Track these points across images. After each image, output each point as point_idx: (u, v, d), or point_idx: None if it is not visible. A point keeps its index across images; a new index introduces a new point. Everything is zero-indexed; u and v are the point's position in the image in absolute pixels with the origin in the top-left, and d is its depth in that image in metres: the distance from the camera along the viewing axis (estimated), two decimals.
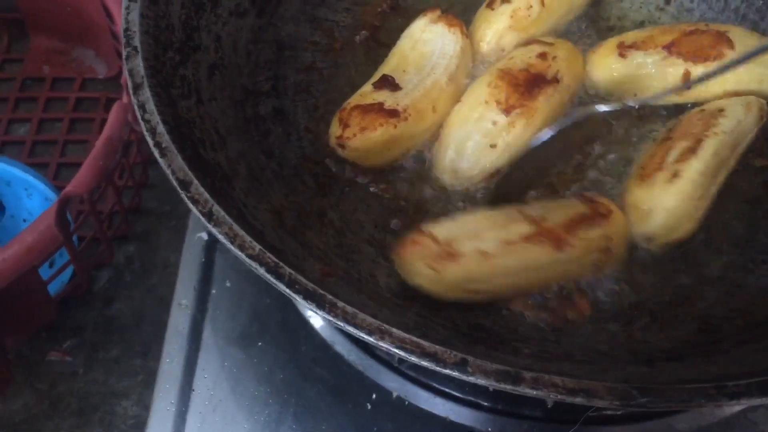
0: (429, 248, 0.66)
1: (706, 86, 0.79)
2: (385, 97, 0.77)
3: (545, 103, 0.78)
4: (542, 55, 0.81)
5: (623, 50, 0.82)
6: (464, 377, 0.49)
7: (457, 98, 0.80)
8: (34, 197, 0.99)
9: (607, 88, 0.83)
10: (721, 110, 0.78)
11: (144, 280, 1.01)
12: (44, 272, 0.87)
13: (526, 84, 0.77)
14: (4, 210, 1.01)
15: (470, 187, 0.77)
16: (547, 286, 0.70)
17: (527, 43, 0.84)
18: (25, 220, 1.00)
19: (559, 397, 0.48)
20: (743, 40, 0.82)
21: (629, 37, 0.84)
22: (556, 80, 0.79)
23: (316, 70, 0.84)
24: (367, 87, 0.80)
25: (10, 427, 0.89)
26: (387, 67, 0.82)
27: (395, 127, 0.76)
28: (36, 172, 0.98)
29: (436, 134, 0.79)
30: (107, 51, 1.18)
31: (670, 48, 0.81)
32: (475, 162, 0.76)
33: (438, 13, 0.84)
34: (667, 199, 0.72)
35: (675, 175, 0.73)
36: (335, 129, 0.77)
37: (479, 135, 0.76)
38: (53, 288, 0.92)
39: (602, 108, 0.78)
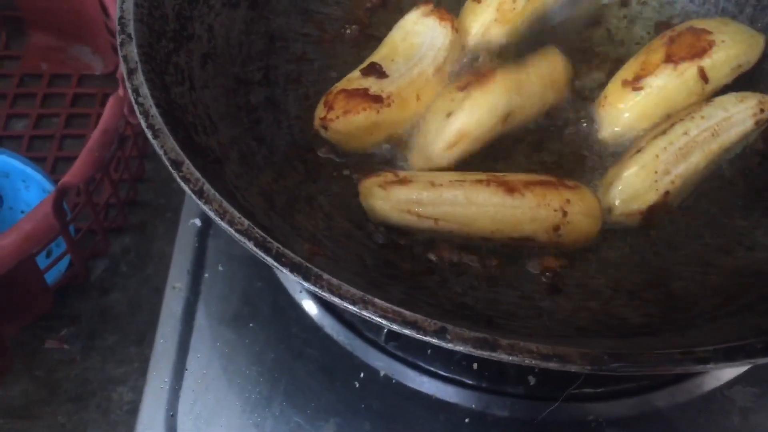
0: (387, 177, 0.73)
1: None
2: (371, 83, 0.79)
3: (502, 78, 0.79)
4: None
5: (634, 84, 0.81)
6: (443, 344, 0.51)
7: (441, 89, 0.83)
8: (32, 189, 1.01)
9: (633, 125, 0.82)
10: (711, 100, 0.81)
11: (139, 270, 1.03)
12: (41, 262, 0.89)
13: (487, 72, 0.80)
14: (2, 201, 1.03)
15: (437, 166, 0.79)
16: (500, 234, 0.72)
17: None
18: (23, 212, 1.02)
19: (533, 362, 0.50)
20: (717, 26, 0.85)
21: (626, 73, 0.83)
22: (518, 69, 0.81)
23: (306, 61, 0.86)
24: (355, 73, 0.82)
25: (9, 413, 0.91)
26: (377, 56, 0.84)
27: (378, 112, 0.78)
28: (34, 165, 1.00)
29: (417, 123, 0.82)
30: (104, 48, 1.20)
31: (671, 59, 0.81)
32: (435, 136, 0.78)
33: (431, 6, 0.87)
34: (624, 170, 0.75)
35: (639, 150, 0.75)
36: (320, 110, 0.79)
37: (441, 113, 0.79)
38: (50, 277, 0.93)
39: None
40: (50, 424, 0.91)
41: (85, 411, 0.92)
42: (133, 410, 0.91)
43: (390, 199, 0.72)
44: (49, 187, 0.99)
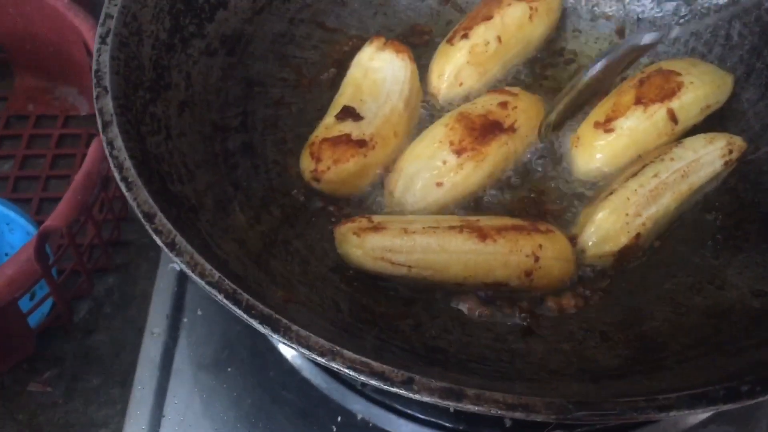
0: (361, 223, 0.74)
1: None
2: (350, 128, 0.81)
3: (497, 149, 0.81)
4: (503, 104, 0.84)
5: (606, 126, 0.83)
6: (411, 395, 0.52)
7: (412, 121, 0.85)
8: (15, 232, 1.01)
9: (604, 166, 0.83)
10: (680, 142, 0.83)
11: (123, 311, 1.03)
12: (24, 304, 0.89)
13: (482, 129, 0.81)
14: None
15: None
16: (473, 280, 0.73)
17: (494, 91, 0.88)
18: (6, 254, 1.03)
19: (499, 412, 0.51)
20: (685, 67, 0.86)
21: (597, 114, 0.85)
22: (512, 129, 0.82)
23: (284, 105, 0.88)
24: (329, 119, 0.83)
25: None
26: (344, 98, 0.85)
27: (365, 156, 0.80)
28: (17, 208, 1.00)
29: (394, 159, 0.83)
30: (89, 89, 1.18)
31: (640, 101, 0.83)
32: (421, 197, 0.79)
33: (383, 40, 0.88)
34: (596, 212, 0.76)
35: (611, 192, 0.77)
36: (308, 163, 0.80)
37: (428, 172, 0.79)
38: (33, 319, 0.93)
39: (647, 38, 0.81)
40: None
41: None
42: None
43: (364, 247, 0.72)
44: (33, 229, 1.00)
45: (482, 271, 0.73)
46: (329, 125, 0.83)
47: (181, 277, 0.84)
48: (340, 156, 0.79)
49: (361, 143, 0.80)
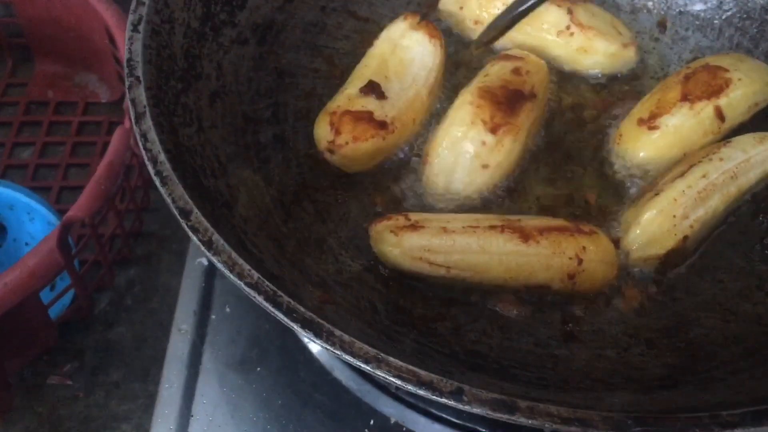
0: (398, 221, 0.72)
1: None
2: (373, 105, 0.79)
3: (526, 118, 0.80)
4: (516, 71, 0.83)
5: (650, 123, 0.80)
6: (460, 406, 0.49)
7: (431, 110, 0.84)
8: (36, 221, 1.00)
9: (648, 165, 0.81)
10: (728, 141, 0.80)
11: (145, 303, 1.01)
12: (45, 296, 0.88)
13: (507, 101, 0.79)
14: (6, 234, 1.02)
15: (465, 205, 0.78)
16: (514, 282, 0.71)
17: (500, 57, 0.86)
18: (27, 244, 1.01)
19: (554, 426, 0.49)
20: (733, 63, 0.83)
21: (641, 111, 0.83)
22: (533, 95, 0.81)
23: (316, 97, 0.85)
24: (352, 89, 0.81)
25: None
26: (368, 70, 0.83)
27: (384, 139, 0.78)
28: (38, 197, 0.99)
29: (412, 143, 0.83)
30: (110, 76, 1.19)
31: (686, 97, 0.81)
32: (468, 183, 0.77)
33: (417, 18, 0.86)
34: (642, 213, 0.74)
35: (657, 193, 0.74)
36: (325, 133, 0.78)
37: (470, 157, 0.77)
38: (54, 311, 0.92)
39: None
40: None
41: None
42: None
43: (401, 246, 0.70)
44: (54, 219, 0.98)
45: (524, 274, 0.70)
46: (352, 97, 0.80)
47: (209, 273, 0.82)
48: (360, 134, 0.77)
49: (383, 125, 0.78)
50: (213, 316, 0.79)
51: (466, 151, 0.77)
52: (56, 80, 1.23)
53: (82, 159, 1.15)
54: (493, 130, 0.77)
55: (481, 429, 0.72)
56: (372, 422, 0.73)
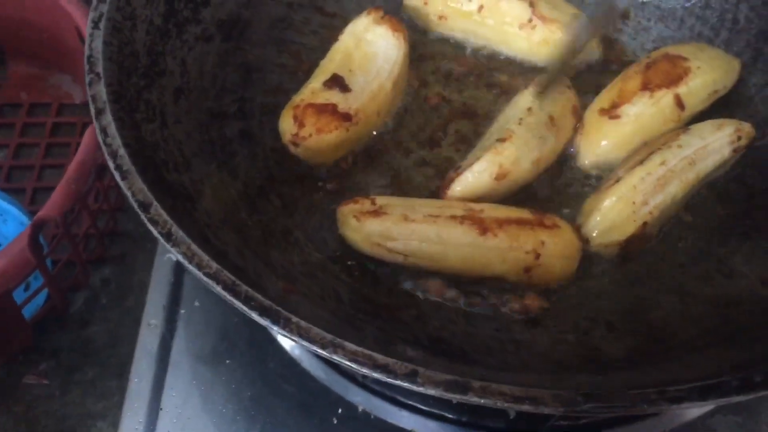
0: (363, 205, 0.73)
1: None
2: (336, 98, 0.80)
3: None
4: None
5: (611, 113, 0.81)
6: (414, 388, 0.50)
7: (396, 103, 0.85)
8: (9, 223, 1.00)
9: (610, 153, 0.82)
10: (687, 128, 0.81)
11: (120, 302, 1.02)
12: (19, 296, 0.88)
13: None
14: None
15: None
16: (470, 272, 0.72)
17: None
18: (0, 245, 1.01)
19: (506, 405, 0.50)
20: (692, 52, 0.85)
21: (602, 101, 0.84)
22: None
23: (283, 92, 0.86)
24: (316, 83, 0.82)
25: None
26: (332, 64, 0.84)
27: (347, 130, 0.79)
28: (11, 198, 0.99)
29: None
30: (83, 76, 1.19)
31: (647, 86, 0.82)
32: None
33: (381, 13, 0.87)
34: (602, 200, 0.75)
35: (617, 180, 0.75)
36: (289, 126, 0.79)
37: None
38: (28, 311, 0.92)
39: None
40: None
41: None
42: None
43: (362, 231, 0.72)
44: (26, 220, 0.98)
45: (479, 265, 0.71)
46: (315, 90, 0.81)
47: (178, 268, 0.83)
48: (323, 126, 0.78)
49: (346, 117, 0.79)
50: (182, 311, 0.80)
51: None
52: (30, 81, 1.23)
53: (56, 160, 1.15)
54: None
55: (448, 414, 0.73)
56: (340, 411, 0.74)
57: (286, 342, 0.77)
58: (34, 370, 0.96)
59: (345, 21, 0.93)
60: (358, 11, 0.94)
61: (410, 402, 0.74)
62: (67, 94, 1.22)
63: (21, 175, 1.14)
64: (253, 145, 0.81)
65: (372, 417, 0.74)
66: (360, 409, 0.74)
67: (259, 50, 0.87)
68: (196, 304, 0.80)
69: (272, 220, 0.75)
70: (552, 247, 0.71)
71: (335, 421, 0.73)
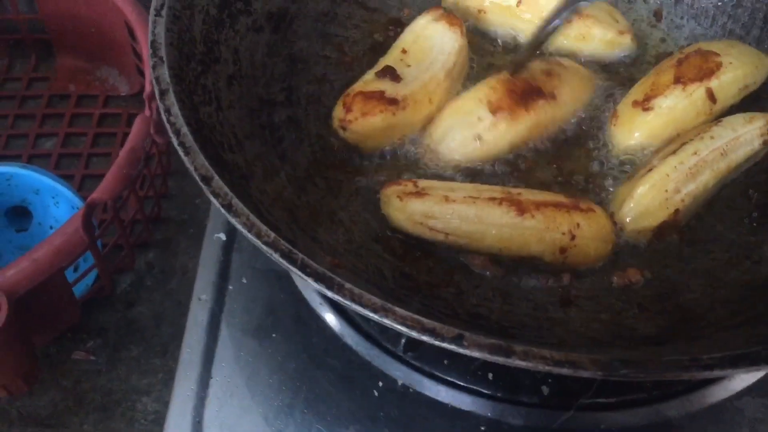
0: (405, 187, 0.77)
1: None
2: (386, 86, 0.83)
3: (532, 113, 0.83)
4: (548, 72, 0.86)
5: (644, 105, 0.84)
6: (460, 350, 0.53)
7: (452, 92, 0.87)
8: (61, 205, 1.04)
9: (642, 144, 0.84)
10: (719, 120, 0.84)
11: (163, 284, 1.06)
12: (69, 276, 0.92)
13: (521, 93, 0.83)
14: (32, 218, 1.06)
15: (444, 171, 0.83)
16: (507, 252, 0.75)
17: (545, 60, 0.90)
18: (51, 227, 1.05)
19: (547, 368, 0.53)
20: (724, 48, 0.88)
21: (636, 93, 0.86)
22: (552, 96, 0.84)
23: (327, 82, 0.90)
24: (370, 75, 0.86)
25: (38, 422, 0.94)
26: (389, 58, 0.88)
27: (394, 114, 0.82)
28: (64, 181, 1.03)
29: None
30: (130, 69, 1.24)
31: (679, 80, 0.84)
32: (454, 149, 0.82)
33: (440, 11, 0.91)
34: (636, 188, 0.78)
35: (650, 169, 0.78)
36: (339, 112, 0.83)
37: (464, 127, 0.82)
38: (78, 290, 0.96)
39: None
40: None
41: (111, 420, 0.94)
42: (158, 420, 0.94)
43: (405, 211, 0.75)
44: (78, 203, 1.02)
45: (516, 245, 0.74)
46: (367, 81, 0.85)
47: (227, 247, 0.86)
48: (369, 109, 0.81)
49: (392, 101, 0.82)
50: (230, 287, 0.83)
51: (464, 120, 0.82)
52: (77, 74, 1.28)
53: (103, 149, 1.20)
54: (494, 112, 0.82)
55: (483, 390, 0.76)
56: (381, 384, 0.77)
57: (330, 318, 0.81)
58: (82, 347, 1.00)
59: (386, 15, 0.97)
60: (398, 7, 0.98)
61: (448, 377, 0.77)
62: (113, 87, 1.27)
63: (69, 163, 1.19)
64: (299, 131, 0.84)
65: (411, 391, 0.77)
66: (399, 383, 0.77)
67: (304, 42, 0.91)
68: (244, 281, 0.84)
69: (318, 201, 0.78)
70: (587, 229, 0.74)
71: (376, 394, 0.77)
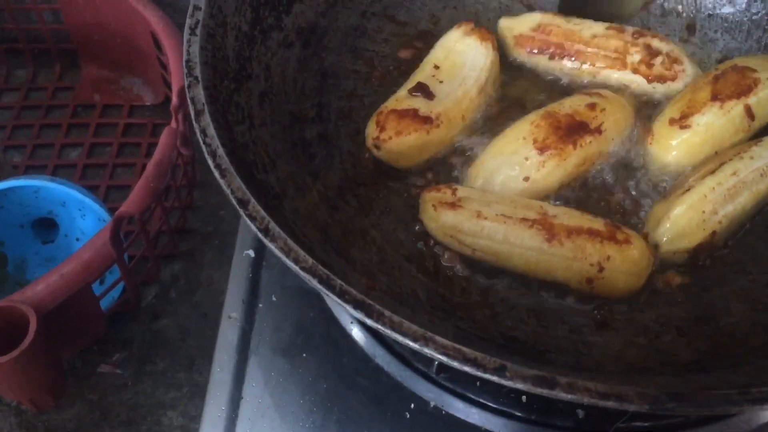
0: (443, 195, 0.77)
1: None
2: (419, 104, 0.83)
3: (580, 149, 0.81)
4: (591, 106, 0.83)
5: (681, 123, 0.82)
6: (503, 382, 0.53)
7: (484, 108, 0.87)
8: (87, 218, 1.04)
9: (679, 163, 0.83)
10: (759, 140, 0.82)
11: (189, 296, 1.06)
12: (96, 288, 0.91)
13: (567, 129, 0.81)
14: (58, 230, 1.06)
15: None
16: (533, 274, 0.75)
17: (584, 92, 0.88)
18: (78, 239, 1.05)
19: (592, 400, 0.52)
20: (761, 64, 0.86)
21: (672, 111, 0.85)
22: (598, 131, 0.82)
23: (357, 97, 0.89)
24: (403, 92, 0.85)
25: None
26: (421, 74, 0.87)
27: (428, 132, 0.82)
28: (91, 194, 1.03)
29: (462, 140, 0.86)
30: (154, 79, 1.24)
31: (716, 97, 0.83)
32: (504, 189, 0.80)
33: (471, 26, 0.90)
34: (672, 208, 0.76)
35: (688, 189, 0.77)
36: (372, 130, 0.83)
37: (509, 168, 0.80)
38: (104, 303, 0.96)
39: None
40: None
41: None
42: None
43: (437, 221, 0.76)
44: (104, 215, 1.02)
45: (543, 270, 0.73)
46: (400, 98, 0.84)
47: (255, 264, 0.86)
48: (403, 128, 0.81)
49: (427, 120, 0.82)
50: (260, 305, 0.83)
51: (509, 161, 0.80)
52: (102, 84, 1.28)
53: (128, 159, 1.20)
54: (541, 150, 0.80)
55: (517, 413, 0.75)
56: (412, 406, 0.76)
57: (360, 338, 0.80)
58: (108, 360, 1.00)
59: (416, 29, 0.96)
60: (428, 20, 0.97)
61: (480, 399, 0.76)
62: (138, 96, 1.27)
63: (94, 173, 1.19)
64: (330, 147, 0.84)
65: (443, 413, 0.76)
66: (432, 404, 0.76)
67: (334, 57, 0.91)
68: (273, 298, 0.83)
69: (350, 219, 0.78)
70: (618, 262, 0.72)
71: (408, 416, 0.76)
